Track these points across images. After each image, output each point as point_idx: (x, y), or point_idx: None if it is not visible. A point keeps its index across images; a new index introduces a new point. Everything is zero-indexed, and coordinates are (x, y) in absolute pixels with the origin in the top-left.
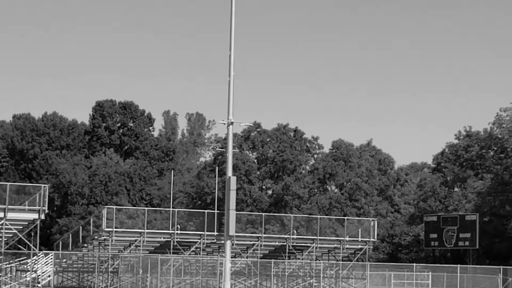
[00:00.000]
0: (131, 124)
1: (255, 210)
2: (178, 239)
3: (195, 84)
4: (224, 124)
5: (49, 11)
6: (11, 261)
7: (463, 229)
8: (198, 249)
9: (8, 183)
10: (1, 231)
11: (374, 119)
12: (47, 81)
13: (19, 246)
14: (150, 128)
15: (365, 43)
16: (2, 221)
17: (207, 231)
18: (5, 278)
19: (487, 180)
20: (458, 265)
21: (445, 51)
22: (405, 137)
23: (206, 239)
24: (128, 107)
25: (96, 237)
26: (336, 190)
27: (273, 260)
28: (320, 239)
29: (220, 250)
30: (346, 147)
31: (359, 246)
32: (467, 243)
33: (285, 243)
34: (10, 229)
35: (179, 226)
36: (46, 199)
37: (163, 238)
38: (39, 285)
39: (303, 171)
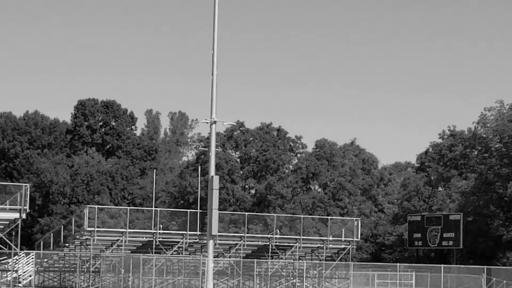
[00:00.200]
0: (113, 123)
1: (238, 210)
2: (161, 239)
3: (178, 83)
4: (207, 123)
5: (31, 10)
6: None
7: (447, 228)
8: (181, 249)
9: None
10: None
11: (357, 118)
12: (28, 80)
13: (0, 245)
14: (133, 127)
15: (349, 43)
16: None
17: (189, 231)
18: None
19: (471, 179)
20: (442, 265)
21: (429, 51)
22: (389, 137)
23: (189, 239)
24: (110, 106)
25: (77, 236)
26: (319, 190)
27: (256, 260)
28: (303, 239)
29: (203, 249)
30: (330, 146)
31: (343, 246)
32: (451, 242)
33: (268, 243)
34: None
35: (161, 226)
36: (28, 199)
37: (145, 237)
38: (20, 284)
39: (286, 171)
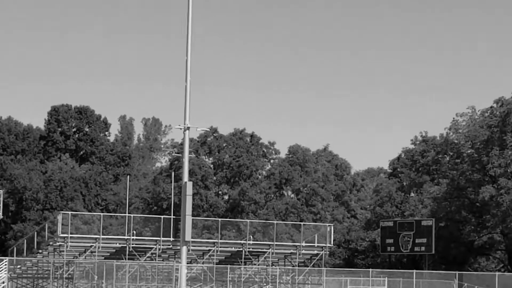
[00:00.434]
0: (87, 129)
1: (211, 216)
2: (134, 245)
3: (152, 89)
4: (181, 129)
5: (2, 16)
6: None
7: (419, 234)
8: (154, 255)
9: None
10: None
11: (330, 124)
12: (1, 86)
13: None
14: (106, 133)
15: (321, 47)
16: None
17: (163, 237)
18: None
19: (443, 185)
20: (414, 270)
21: (402, 57)
22: (362, 142)
23: (162, 245)
24: (84, 112)
25: (51, 243)
26: (292, 195)
27: (229, 266)
28: (276, 245)
29: (176, 255)
30: (303, 152)
31: (315, 252)
32: (423, 248)
33: (241, 249)
34: None
35: (134, 232)
36: (1, 205)
37: (119, 243)
38: None
39: (260, 176)
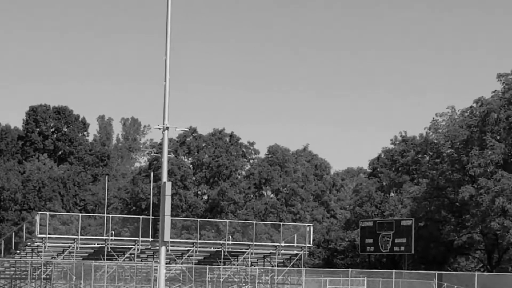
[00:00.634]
0: (65, 129)
1: (190, 216)
2: (112, 245)
3: (130, 89)
4: (160, 129)
5: None
6: None
7: (399, 234)
8: (133, 255)
9: None
10: None
11: (310, 124)
12: None
13: None
14: (85, 133)
15: (300, 46)
16: None
17: (141, 237)
18: None
19: (422, 185)
20: (394, 270)
21: (381, 55)
22: (341, 142)
23: (141, 245)
24: (62, 112)
25: (29, 243)
26: (272, 195)
27: (208, 266)
28: (255, 245)
29: (155, 256)
30: (282, 152)
31: (295, 252)
32: (402, 248)
33: (220, 249)
34: None
35: (113, 232)
36: None
37: (97, 244)
38: None
39: (239, 176)
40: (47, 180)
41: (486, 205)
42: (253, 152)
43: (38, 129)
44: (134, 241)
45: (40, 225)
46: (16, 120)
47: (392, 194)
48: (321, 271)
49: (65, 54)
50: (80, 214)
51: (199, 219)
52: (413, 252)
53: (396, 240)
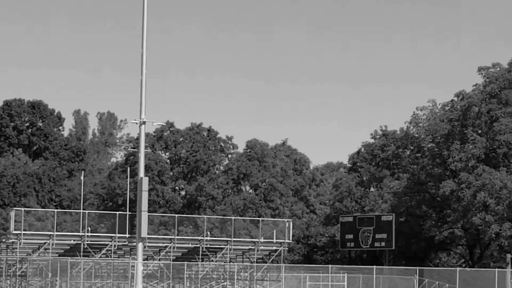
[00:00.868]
0: (40, 124)
1: (168, 212)
2: (89, 242)
3: (106, 83)
4: (136, 123)
5: None
6: None
7: (379, 229)
8: (109, 252)
9: None
10: None
11: (289, 118)
12: None
13: None
14: (60, 127)
15: (278, 40)
16: None
17: (118, 233)
18: None
19: (403, 180)
20: (374, 266)
21: (362, 49)
22: (321, 137)
23: (118, 242)
24: (37, 106)
25: (3, 240)
26: (250, 191)
27: (186, 263)
28: (234, 241)
29: (132, 252)
30: (261, 146)
31: (274, 248)
32: (383, 243)
33: (198, 245)
34: None
35: (89, 228)
36: None
37: (73, 240)
38: None
39: (217, 172)
40: (21, 175)
41: (467, 200)
42: (231, 146)
43: (12, 124)
44: (111, 237)
45: (14, 221)
46: None
47: (372, 189)
48: (300, 267)
49: (40, 47)
50: (55, 210)
51: (176, 215)
52: (394, 247)
53: (377, 236)
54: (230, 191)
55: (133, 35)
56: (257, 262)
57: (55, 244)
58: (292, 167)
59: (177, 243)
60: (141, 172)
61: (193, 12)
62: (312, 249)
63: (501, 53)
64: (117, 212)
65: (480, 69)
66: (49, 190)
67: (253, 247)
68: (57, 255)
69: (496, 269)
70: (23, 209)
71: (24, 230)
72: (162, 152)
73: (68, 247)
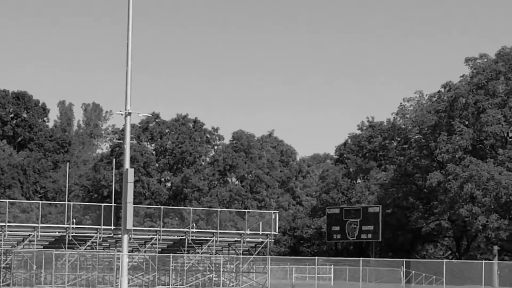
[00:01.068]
0: (25, 115)
1: (153, 203)
2: (74, 234)
3: (92, 74)
4: (122, 114)
5: None
6: None
7: (366, 221)
8: (95, 244)
9: None
10: None
11: (275, 109)
12: None
13: None
14: (45, 119)
15: (264, 31)
16: None
17: (103, 225)
18: None
19: (390, 171)
20: (361, 258)
21: (348, 40)
22: (307, 128)
23: (103, 233)
24: (22, 97)
25: None
26: (236, 182)
27: (171, 255)
28: (220, 233)
29: (117, 244)
30: (247, 138)
31: (260, 240)
32: (370, 235)
33: (184, 237)
34: None
35: (74, 220)
36: None
37: (58, 232)
38: None
39: (203, 163)
40: (6, 167)
41: (454, 192)
42: (217, 138)
43: None
44: (96, 229)
45: None
46: None
47: (359, 180)
48: (287, 259)
49: (25, 38)
50: (40, 202)
51: (162, 207)
52: (380, 239)
53: (363, 228)
54: (216, 183)
55: (119, 26)
56: (243, 254)
57: (40, 236)
58: (278, 158)
59: (162, 235)
60: (127, 164)
61: (179, 4)
62: (298, 241)
63: (488, 44)
64: (102, 204)
65: (467, 60)
66: (33, 181)
67: (239, 239)
68: (42, 247)
69: (483, 261)
70: (7, 200)
71: (8, 222)
72: (148, 143)
73: (53, 239)
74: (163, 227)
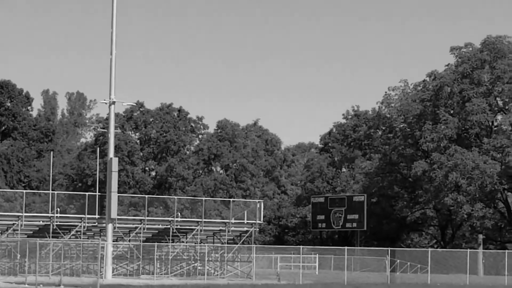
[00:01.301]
0: (9, 104)
1: (138, 192)
2: (58, 223)
3: (76, 62)
4: (106, 103)
5: None
6: None
7: (351, 210)
8: (79, 233)
9: None
10: None
11: (260, 98)
12: None
13: None
14: (29, 107)
15: (248, 19)
16: None
17: (88, 214)
18: None
19: (375, 160)
20: (346, 247)
21: (333, 28)
22: (292, 117)
23: (87, 223)
24: (5, 86)
25: None
26: (221, 171)
27: (156, 244)
28: (205, 222)
29: (102, 233)
30: (232, 127)
31: (245, 229)
32: (354, 224)
33: (169, 226)
34: None
35: (58, 209)
36: None
37: (42, 221)
38: None
39: (188, 152)
40: None
41: (439, 181)
42: (202, 127)
43: None
44: (80, 218)
45: None
46: None
47: (344, 169)
48: (272, 248)
49: (8, 26)
50: (24, 191)
51: (146, 196)
52: (365, 228)
53: (348, 217)
54: (200, 172)
55: (103, 15)
56: (228, 243)
57: (24, 225)
58: (263, 147)
59: (147, 224)
60: (111, 153)
61: None
62: (283, 230)
63: (473, 33)
64: (87, 193)
65: (452, 49)
66: (17, 170)
67: (224, 228)
68: (26, 236)
69: (468, 250)
70: None
71: None
72: (132, 132)
73: (37, 228)
74: (148, 216)
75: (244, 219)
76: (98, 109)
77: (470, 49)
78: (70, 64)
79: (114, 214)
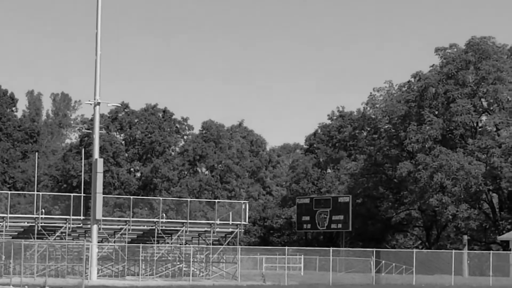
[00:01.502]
0: None
1: (123, 193)
2: (43, 224)
3: (60, 63)
4: (91, 104)
5: None
6: None
7: (336, 211)
8: (64, 234)
9: None
10: None
11: (245, 99)
12: None
13: None
14: (13, 108)
15: (233, 21)
16: None
17: (73, 215)
18: None
19: (360, 161)
20: (331, 248)
21: (318, 27)
22: (277, 118)
23: (72, 224)
24: None
25: None
26: (206, 172)
27: (141, 245)
28: (190, 223)
29: (87, 234)
30: (217, 128)
31: (230, 230)
32: (340, 225)
33: (154, 227)
34: None
35: (43, 210)
36: None
37: (27, 222)
38: None
39: (173, 153)
40: None
41: (424, 181)
42: (187, 128)
43: None
44: (65, 219)
45: None
46: None
47: (329, 170)
48: (257, 249)
49: None
50: (9, 192)
51: (132, 197)
52: (350, 229)
53: (333, 217)
54: (186, 173)
55: (88, 16)
56: (213, 244)
57: (9, 226)
58: (248, 148)
59: (132, 225)
60: (96, 154)
61: None
62: (268, 231)
63: (458, 34)
64: (72, 194)
65: (437, 50)
66: (2, 171)
67: (209, 229)
68: (10, 237)
69: (453, 251)
70: None
71: None
72: (117, 133)
73: (22, 229)
74: (133, 217)
75: (229, 220)
76: (83, 110)
77: (455, 50)
78: (55, 65)
79: (99, 215)
